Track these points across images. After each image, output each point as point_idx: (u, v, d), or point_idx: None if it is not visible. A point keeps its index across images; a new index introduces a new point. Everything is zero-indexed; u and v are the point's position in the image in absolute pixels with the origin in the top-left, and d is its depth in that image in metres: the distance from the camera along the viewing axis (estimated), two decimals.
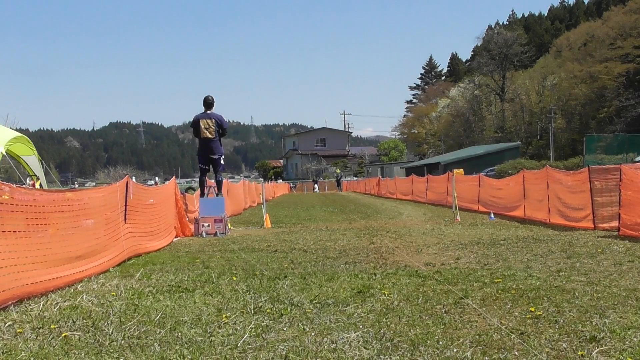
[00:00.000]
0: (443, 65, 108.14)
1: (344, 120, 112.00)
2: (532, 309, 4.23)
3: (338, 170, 62.38)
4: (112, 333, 3.83)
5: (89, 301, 4.82)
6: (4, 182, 5.04)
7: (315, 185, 57.51)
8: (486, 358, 3.23)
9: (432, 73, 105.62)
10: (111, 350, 3.48)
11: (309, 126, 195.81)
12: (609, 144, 37.42)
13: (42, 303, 4.67)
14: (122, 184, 7.64)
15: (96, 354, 3.41)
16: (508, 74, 68.96)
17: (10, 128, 16.47)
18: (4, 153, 12.12)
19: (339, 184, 56.87)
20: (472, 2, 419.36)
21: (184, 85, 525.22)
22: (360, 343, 3.54)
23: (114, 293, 5.14)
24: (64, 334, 3.79)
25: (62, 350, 3.50)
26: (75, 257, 5.82)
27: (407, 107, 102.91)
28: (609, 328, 3.71)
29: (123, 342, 3.64)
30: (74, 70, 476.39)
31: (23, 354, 3.42)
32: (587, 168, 10.89)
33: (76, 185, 57.87)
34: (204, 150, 11.58)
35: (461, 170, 36.70)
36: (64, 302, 4.77)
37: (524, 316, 4.09)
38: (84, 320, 4.17)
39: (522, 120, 66.18)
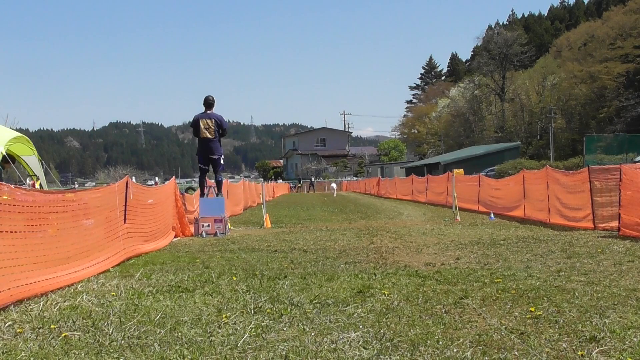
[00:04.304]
0: (443, 65, 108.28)
1: (344, 120, 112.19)
2: (532, 309, 4.23)
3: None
4: (112, 333, 3.83)
5: (89, 301, 4.82)
6: (4, 183, 5.04)
7: (333, 185, 43.88)
8: (486, 358, 3.23)
9: (432, 73, 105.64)
10: (111, 350, 3.47)
11: (309, 126, 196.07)
12: (609, 144, 37.39)
13: (42, 303, 4.67)
14: (122, 184, 7.64)
15: (96, 354, 3.41)
16: (508, 74, 68.95)
17: (10, 128, 16.45)
18: (4, 153, 12.11)
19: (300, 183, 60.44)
20: (472, 2, 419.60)
21: (184, 85, 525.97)
22: (360, 343, 3.54)
23: (114, 293, 5.14)
24: (64, 334, 3.79)
25: (62, 350, 3.50)
26: (75, 257, 5.82)
27: (407, 107, 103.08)
28: (609, 328, 3.71)
29: (123, 342, 3.64)
30: (74, 70, 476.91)
31: (23, 354, 3.42)
32: (587, 168, 10.89)
33: (76, 186, 57.88)
34: (204, 150, 11.57)
35: (461, 171, 36.72)
36: (64, 302, 4.77)
37: (524, 316, 4.08)
38: (84, 320, 4.17)
39: (522, 120, 66.18)
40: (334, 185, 44.42)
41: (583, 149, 38.13)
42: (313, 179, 64.64)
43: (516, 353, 3.29)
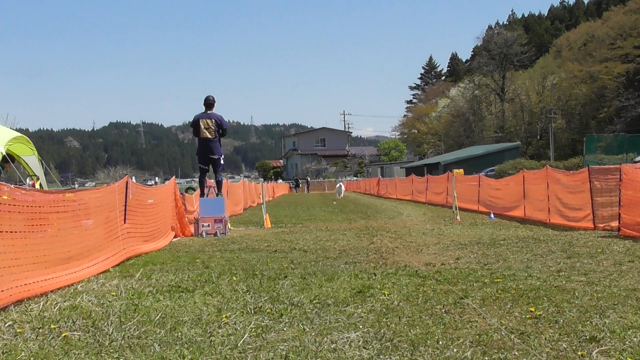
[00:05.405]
0: (443, 65, 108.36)
1: (344, 120, 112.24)
2: (532, 309, 4.23)
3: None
4: (112, 333, 3.83)
5: (89, 301, 4.82)
6: (4, 183, 5.04)
7: (340, 184, 34.57)
8: (486, 358, 3.23)
9: (432, 73, 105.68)
10: (111, 350, 3.48)
11: (309, 126, 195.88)
12: (609, 144, 37.39)
13: (42, 303, 4.67)
14: (122, 184, 7.64)
15: (96, 354, 3.41)
16: (508, 74, 68.99)
17: (10, 128, 16.45)
18: (4, 153, 12.11)
19: (298, 185, 60.06)
20: (472, 2, 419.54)
21: (184, 85, 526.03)
22: (360, 343, 3.54)
23: (114, 293, 5.14)
24: (64, 334, 3.79)
25: (62, 350, 3.50)
26: (75, 257, 5.82)
27: (407, 107, 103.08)
28: (609, 328, 3.71)
29: (123, 342, 3.64)
30: (74, 70, 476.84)
31: (23, 354, 3.42)
32: (587, 168, 10.89)
33: (76, 186, 57.83)
34: (204, 150, 11.57)
35: (461, 171, 36.73)
36: (64, 302, 4.77)
37: (524, 316, 4.08)
38: (84, 320, 4.17)
39: (522, 120, 66.21)
40: (341, 185, 34.24)
41: (583, 149, 38.12)
42: (309, 179, 64.66)
43: (516, 353, 3.29)
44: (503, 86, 68.99)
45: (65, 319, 4.20)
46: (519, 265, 6.41)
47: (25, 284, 4.75)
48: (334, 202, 26.16)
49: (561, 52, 64.88)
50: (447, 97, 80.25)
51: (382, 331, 3.77)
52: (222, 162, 11.89)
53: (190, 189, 18.44)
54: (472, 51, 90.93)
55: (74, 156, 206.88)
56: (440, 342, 3.51)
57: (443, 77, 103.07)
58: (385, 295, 4.85)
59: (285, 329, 3.88)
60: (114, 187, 7.41)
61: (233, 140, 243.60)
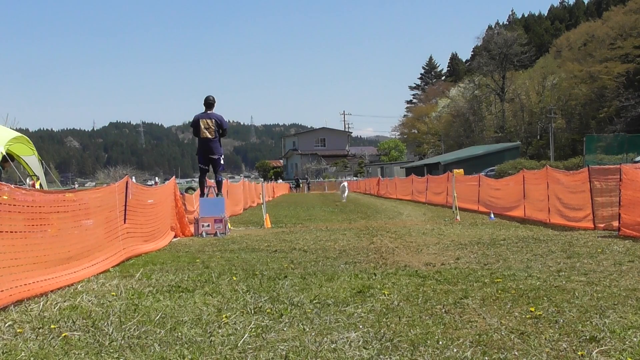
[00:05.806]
0: (443, 65, 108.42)
1: (344, 120, 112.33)
2: (532, 309, 4.23)
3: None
4: (112, 333, 3.83)
5: (89, 301, 4.82)
6: (4, 183, 5.04)
7: (344, 184, 30.31)
8: (486, 358, 3.23)
9: (432, 73, 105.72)
10: (111, 350, 3.48)
11: (309, 126, 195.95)
12: (609, 144, 37.42)
13: (42, 303, 4.67)
14: (122, 184, 7.64)
15: (96, 354, 3.41)
16: (508, 74, 68.99)
17: (10, 128, 16.44)
18: (4, 153, 12.10)
19: (299, 185, 60.65)
20: (472, 2, 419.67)
21: (184, 85, 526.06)
22: (360, 343, 3.54)
23: (114, 293, 5.14)
24: (64, 334, 3.79)
25: (62, 350, 3.50)
26: (75, 257, 5.82)
27: (407, 107, 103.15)
28: (609, 328, 3.71)
29: (123, 342, 3.64)
30: (74, 70, 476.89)
31: (23, 354, 3.42)
32: (587, 168, 10.89)
33: (76, 186, 57.77)
34: (204, 150, 11.57)
35: (461, 171, 36.71)
36: (64, 302, 4.77)
37: (524, 316, 4.08)
38: (84, 320, 4.17)
39: (522, 120, 66.21)
40: (345, 185, 30.26)
41: (583, 149, 38.14)
42: (309, 179, 64.98)
43: (516, 353, 3.29)
44: (503, 86, 68.99)
45: (65, 319, 4.20)
46: (519, 265, 6.41)
47: (25, 284, 4.75)
48: (337, 204, 24.47)
49: (561, 52, 64.92)
50: (447, 97, 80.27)
51: (382, 331, 3.77)
52: (222, 162, 11.89)
53: (190, 189, 18.43)
54: (472, 51, 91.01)
55: (74, 156, 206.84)
56: (440, 342, 3.51)
57: (443, 77, 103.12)
58: (385, 295, 4.85)
59: (285, 329, 3.88)
60: (114, 187, 7.41)
61: (233, 140, 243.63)
